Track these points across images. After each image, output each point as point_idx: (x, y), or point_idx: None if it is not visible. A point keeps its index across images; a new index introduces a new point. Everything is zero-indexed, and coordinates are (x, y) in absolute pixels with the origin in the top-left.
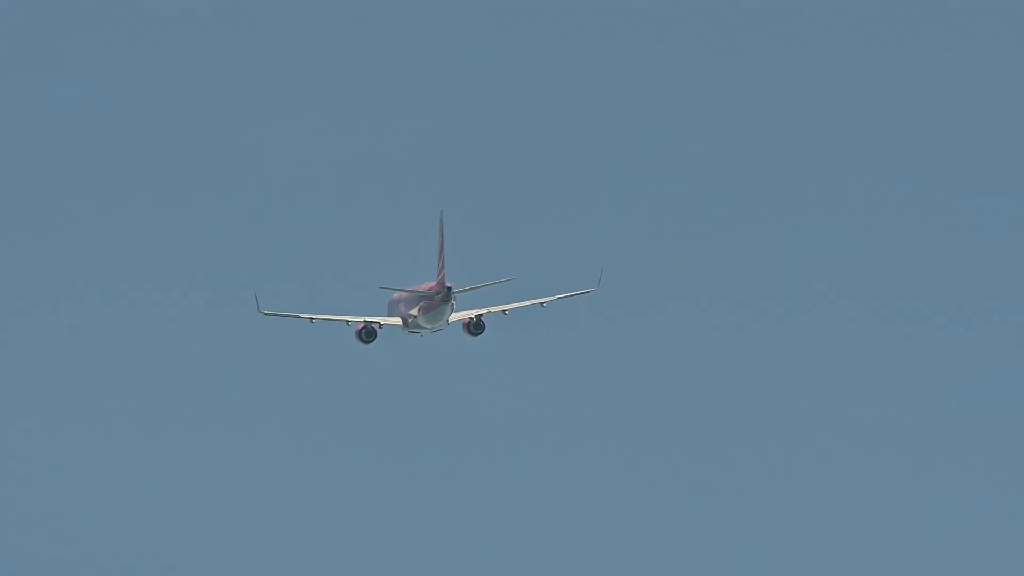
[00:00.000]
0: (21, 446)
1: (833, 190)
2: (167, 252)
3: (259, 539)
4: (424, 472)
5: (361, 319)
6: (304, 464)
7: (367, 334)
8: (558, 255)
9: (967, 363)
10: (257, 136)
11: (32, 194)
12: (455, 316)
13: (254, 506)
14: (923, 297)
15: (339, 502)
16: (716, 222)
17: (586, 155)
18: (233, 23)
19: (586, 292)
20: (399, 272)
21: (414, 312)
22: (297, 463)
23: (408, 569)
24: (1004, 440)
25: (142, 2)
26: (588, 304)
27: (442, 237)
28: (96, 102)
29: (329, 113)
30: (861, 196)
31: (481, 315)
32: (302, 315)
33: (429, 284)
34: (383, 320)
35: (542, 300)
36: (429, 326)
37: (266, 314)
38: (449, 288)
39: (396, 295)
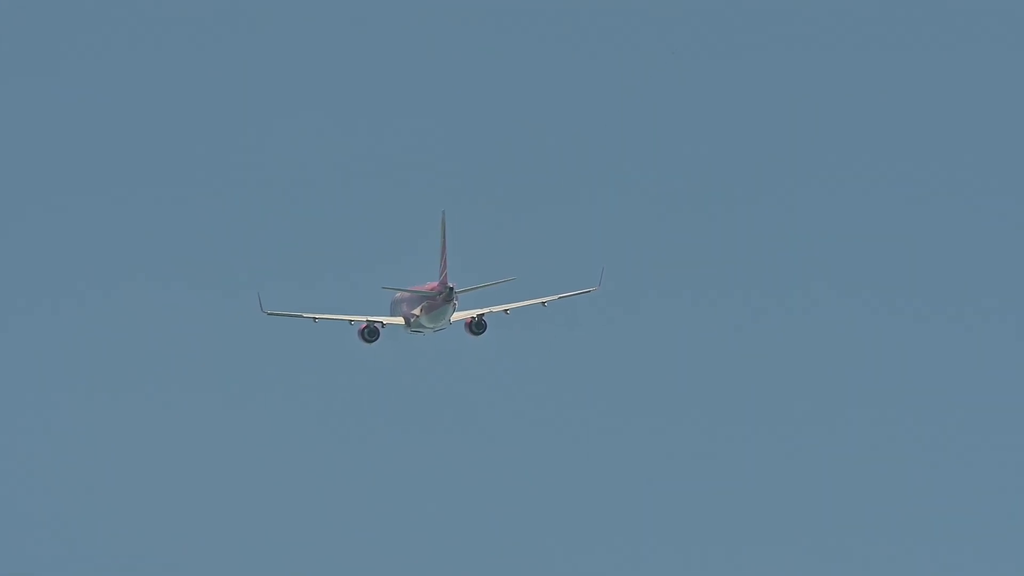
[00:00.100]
0: (23, 446)
1: (833, 190)
2: (170, 253)
3: (263, 538)
4: (426, 471)
5: (364, 319)
6: (307, 463)
7: (370, 333)
8: (559, 255)
9: (967, 363)
10: (258, 136)
11: (33, 195)
12: (457, 316)
13: (258, 505)
14: (923, 297)
15: (342, 501)
16: (716, 222)
17: (586, 155)
18: (233, 23)
19: (587, 292)
20: (401, 272)
21: (416, 312)
22: (300, 462)
23: (410, 568)
24: (1004, 440)
25: (142, 2)
26: (589, 304)
27: (444, 237)
28: (96, 102)
29: (330, 113)
30: (861, 196)
31: (483, 314)
32: (305, 315)
33: (431, 284)
34: (386, 320)
35: (543, 300)
36: (431, 325)
37: (270, 314)
38: (451, 288)
39: (398, 295)
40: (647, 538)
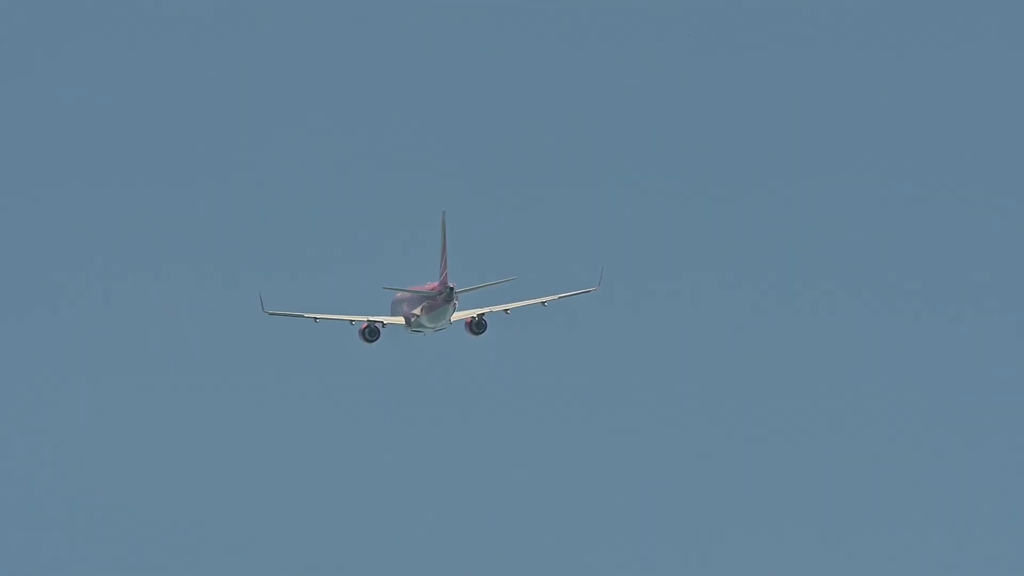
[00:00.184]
0: (24, 444)
1: (833, 189)
2: (170, 253)
3: (264, 537)
4: (426, 471)
5: (365, 319)
6: (308, 463)
7: (371, 333)
8: (559, 255)
9: (967, 363)
10: (258, 136)
11: (33, 196)
12: (457, 315)
13: (259, 505)
14: (923, 296)
15: (343, 500)
16: (716, 222)
17: (586, 154)
18: (233, 23)
19: (587, 291)
20: (402, 272)
21: (417, 312)
22: (301, 462)
23: (411, 567)
24: (1004, 440)
25: (142, 2)
26: (589, 304)
27: (444, 237)
28: (96, 102)
29: (330, 113)
30: (861, 195)
31: (483, 314)
32: (306, 315)
33: (432, 284)
34: (386, 319)
35: (543, 300)
36: (432, 325)
37: (271, 314)
38: (451, 288)
39: (399, 295)
40: (647, 537)
